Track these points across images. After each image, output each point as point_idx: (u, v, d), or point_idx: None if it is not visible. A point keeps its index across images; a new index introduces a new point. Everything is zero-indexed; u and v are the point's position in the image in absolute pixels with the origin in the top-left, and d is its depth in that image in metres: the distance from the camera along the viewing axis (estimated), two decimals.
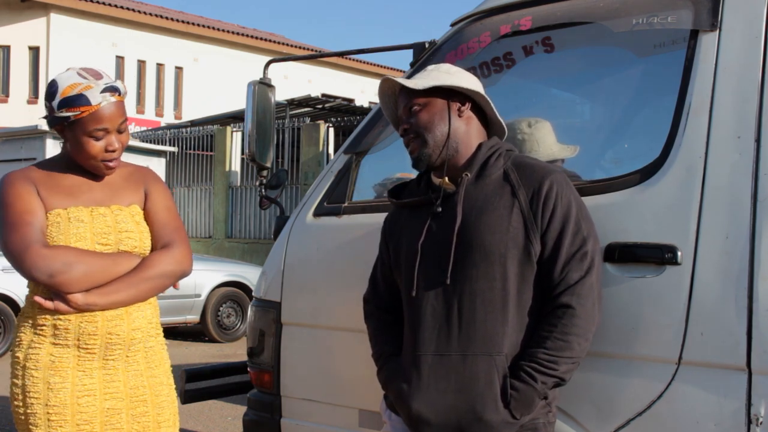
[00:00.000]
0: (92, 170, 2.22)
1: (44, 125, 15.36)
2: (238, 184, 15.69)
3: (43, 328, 2.14)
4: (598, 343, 1.93)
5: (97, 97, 2.11)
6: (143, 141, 16.95)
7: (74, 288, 2.08)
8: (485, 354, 1.90)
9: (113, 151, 2.17)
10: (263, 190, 3.01)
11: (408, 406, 1.97)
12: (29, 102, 23.39)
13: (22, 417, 2.15)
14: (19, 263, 2.08)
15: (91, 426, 2.14)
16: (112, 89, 2.14)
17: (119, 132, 2.18)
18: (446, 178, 2.05)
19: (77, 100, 2.09)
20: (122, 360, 2.19)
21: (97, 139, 2.14)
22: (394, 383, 2.03)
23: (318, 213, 2.70)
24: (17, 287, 8.44)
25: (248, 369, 2.92)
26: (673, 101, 2.07)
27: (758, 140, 1.93)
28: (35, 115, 21.87)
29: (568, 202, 1.93)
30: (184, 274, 2.26)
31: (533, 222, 1.92)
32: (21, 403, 2.15)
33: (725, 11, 2.04)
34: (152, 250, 2.23)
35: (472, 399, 1.89)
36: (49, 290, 2.11)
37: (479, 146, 2.05)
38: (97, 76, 2.15)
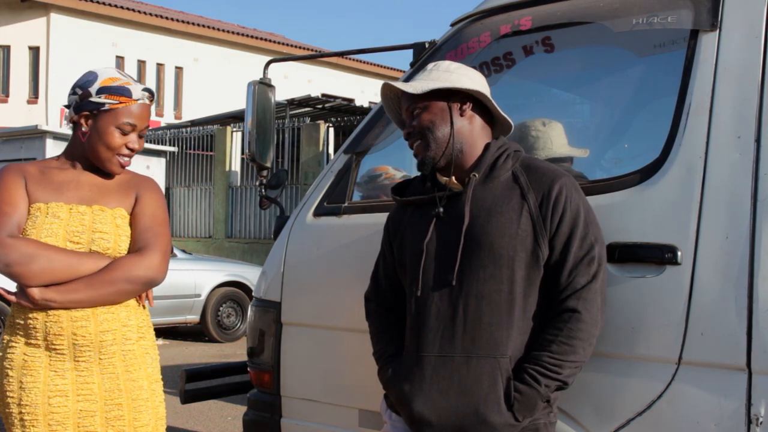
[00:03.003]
0: (103, 164, 2.23)
1: (44, 125, 15.35)
2: (238, 184, 15.69)
3: (18, 327, 2.16)
4: (598, 343, 1.93)
5: (138, 93, 2.20)
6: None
7: (31, 281, 2.07)
8: (489, 356, 1.90)
9: (131, 150, 2.23)
10: (263, 190, 3.01)
11: (410, 407, 1.97)
12: (29, 102, 23.38)
13: (2, 417, 2.18)
14: None
15: (63, 427, 2.12)
16: (149, 92, 2.24)
17: (140, 136, 2.25)
18: (453, 178, 2.04)
19: (120, 90, 2.18)
20: (95, 362, 2.15)
21: (123, 132, 2.20)
22: (395, 383, 2.02)
23: (318, 213, 2.69)
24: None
25: (248, 369, 2.92)
26: (673, 101, 2.07)
27: (758, 140, 1.93)
28: (35, 115, 21.92)
29: (576, 206, 1.93)
30: (152, 281, 2.20)
31: (542, 226, 1.92)
32: (1, 403, 2.17)
33: (725, 11, 2.04)
34: (129, 253, 2.19)
35: (476, 401, 1.89)
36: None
37: (487, 146, 2.04)
38: (134, 79, 2.25)
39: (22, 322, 2.15)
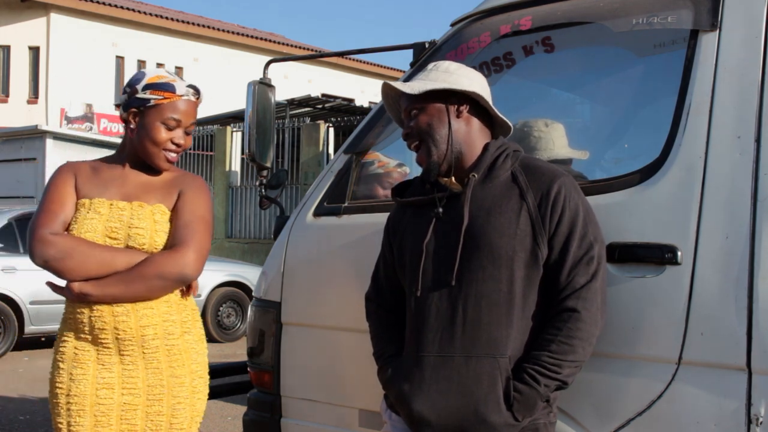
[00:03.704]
0: (150, 159, 2.28)
1: (44, 125, 15.36)
2: (238, 184, 15.68)
3: (69, 321, 2.25)
4: (598, 343, 1.93)
5: (182, 89, 2.26)
6: None
7: (69, 276, 2.16)
8: (489, 356, 1.90)
9: (178, 146, 2.29)
10: (263, 190, 3.01)
11: (409, 407, 1.97)
12: (29, 102, 23.38)
13: (50, 407, 2.26)
14: (27, 246, 2.22)
15: (107, 418, 2.19)
16: (195, 89, 2.30)
17: (186, 133, 2.30)
18: (453, 178, 2.04)
19: (165, 86, 2.24)
20: (139, 356, 2.22)
21: (169, 128, 2.25)
22: (395, 383, 2.02)
23: (318, 213, 2.69)
24: (17, 287, 8.44)
25: (248, 369, 2.92)
26: (673, 101, 2.07)
27: (758, 140, 1.93)
28: (35, 115, 21.92)
29: (575, 206, 1.93)
30: (185, 278, 2.22)
31: (541, 225, 1.92)
32: (50, 394, 2.26)
33: (725, 11, 2.04)
34: (165, 249, 2.23)
35: (475, 400, 1.89)
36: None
37: (486, 146, 2.04)
38: (180, 77, 2.31)
39: (72, 317, 2.24)
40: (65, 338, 2.25)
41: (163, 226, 2.24)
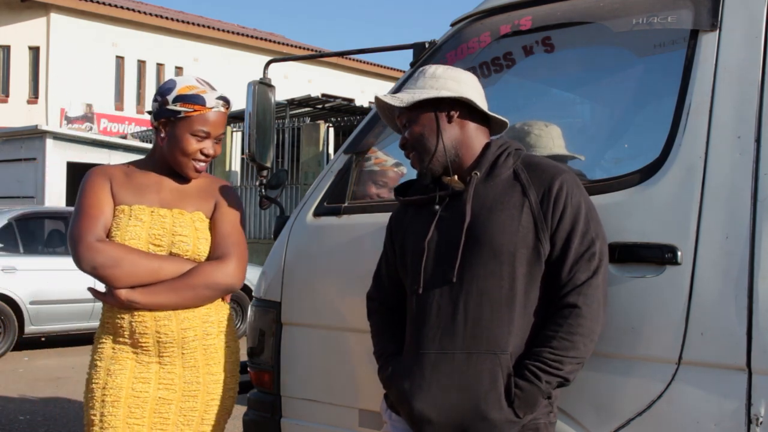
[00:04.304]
0: (180, 168, 2.32)
1: (44, 125, 15.37)
2: (238, 184, 15.69)
3: (107, 325, 2.28)
4: (598, 343, 1.93)
5: (212, 101, 2.29)
6: (143, 141, 16.95)
7: (117, 283, 2.19)
8: (490, 353, 1.90)
9: (207, 156, 2.33)
10: (263, 190, 3.01)
11: (410, 404, 1.96)
12: (29, 102, 23.39)
13: (84, 403, 2.29)
14: (72, 252, 2.22)
15: (141, 410, 2.23)
16: (225, 100, 2.32)
17: (216, 142, 2.34)
18: (455, 177, 2.05)
19: (195, 98, 2.26)
20: (178, 356, 2.27)
21: (198, 139, 2.28)
22: (396, 381, 2.02)
23: (318, 213, 2.69)
24: (17, 287, 8.44)
25: (248, 369, 2.92)
26: (673, 101, 2.07)
27: (758, 140, 1.93)
28: (35, 115, 21.93)
29: (577, 202, 1.94)
30: (232, 288, 2.32)
31: (543, 222, 1.92)
32: (85, 391, 2.29)
33: (725, 11, 2.04)
34: (208, 259, 2.29)
35: (476, 397, 1.89)
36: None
37: (488, 145, 2.05)
38: (212, 87, 2.32)
39: (110, 321, 2.27)
40: (103, 341, 2.28)
41: (204, 233, 2.30)
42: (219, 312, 2.36)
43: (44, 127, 14.20)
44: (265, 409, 2.80)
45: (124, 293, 2.19)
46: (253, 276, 10.17)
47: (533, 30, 2.36)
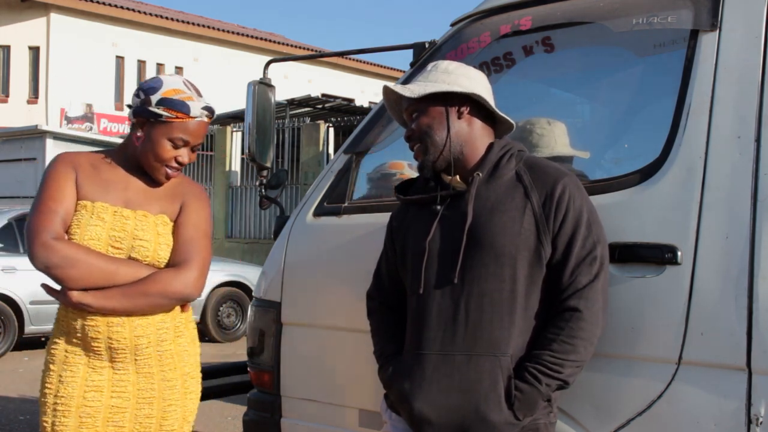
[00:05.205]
0: (151, 172, 2.24)
1: (44, 125, 15.35)
2: (238, 184, 15.69)
3: (62, 324, 2.22)
4: (598, 343, 1.93)
5: (196, 111, 2.19)
6: None
7: (70, 284, 2.11)
8: (490, 355, 1.90)
9: (180, 164, 2.23)
10: (263, 190, 3.01)
11: (410, 405, 1.96)
12: (29, 102, 23.39)
13: (39, 405, 2.24)
14: (27, 248, 2.14)
15: (93, 420, 2.17)
16: (209, 110, 2.23)
17: (192, 150, 2.25)
18: (457, 177, 2.05)
19: (179, 105, 2.16)
20: (131, 363, 2.20)
21: (175, 146, 2.20)
22: (396, 382, 2.02)
23: (318, 213, 2.69)
24: (17, 287, 8.44)
25: (248, 369, 2.92)
26: (673, 101, 2.07)
27: (758, 140, 1.93)
28: (35, 115, 21.92)
29: (579, 206, 1.94)
30: (188, 298, 2.22)
31: (545, 224, 1.92)
32: (40, 393, 2.24)
33: (725, 11, 2.04)
34: (169, 265, 2.20)
35: (476, 399, 1.89)
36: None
37: (491, 146, 2.04)
38: (199, 93, 2.24)
39: (64, 321, 2.21)
40: (56, 341, 2.22)
41: (166, 238, 2.21)
42: (175, 318, 2.26)
43: (44, 127, 14.18)
44: (265, 409, 2.80)
45: (76, 295, 2.11)
46: (253, 276, 10.18)
47: (533, 30, 2.36)
